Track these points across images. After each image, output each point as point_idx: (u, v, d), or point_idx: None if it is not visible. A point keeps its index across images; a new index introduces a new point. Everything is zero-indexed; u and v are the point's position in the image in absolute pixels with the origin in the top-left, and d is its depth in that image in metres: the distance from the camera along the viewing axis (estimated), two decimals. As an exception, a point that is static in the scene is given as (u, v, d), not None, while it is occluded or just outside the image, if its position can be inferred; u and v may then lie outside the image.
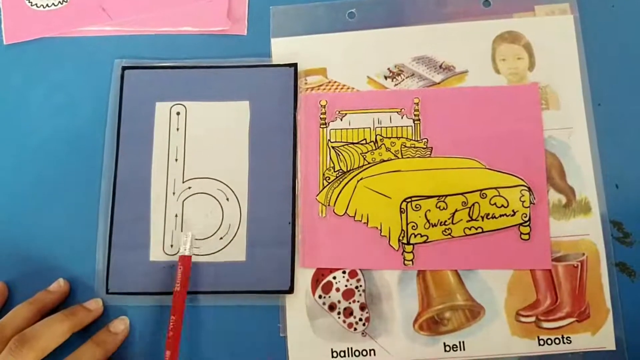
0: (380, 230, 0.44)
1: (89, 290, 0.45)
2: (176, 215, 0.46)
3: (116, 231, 0.45)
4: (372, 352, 0.43)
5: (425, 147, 0.46)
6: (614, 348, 0.42)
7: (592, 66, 0.46)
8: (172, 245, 0.45)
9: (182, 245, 0.43)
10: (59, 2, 0.51)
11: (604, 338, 0.42)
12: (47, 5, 0.51)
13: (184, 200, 0.46)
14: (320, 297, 0.44)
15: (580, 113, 0.45)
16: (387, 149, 0.46)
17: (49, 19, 0.51)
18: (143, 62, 0.49)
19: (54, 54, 0.50)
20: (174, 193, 0.46)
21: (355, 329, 0.43)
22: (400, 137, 0.46)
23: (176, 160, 0.47)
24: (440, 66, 0.47)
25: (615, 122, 0.45)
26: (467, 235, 0.43)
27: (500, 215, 0.43)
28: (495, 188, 0.44)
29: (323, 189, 0.46)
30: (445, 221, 0.44)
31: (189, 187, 0.46)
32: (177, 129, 0.47)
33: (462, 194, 0.44)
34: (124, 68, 0.48)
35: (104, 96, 0.48)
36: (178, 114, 0.48)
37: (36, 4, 0.51)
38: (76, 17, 0.51)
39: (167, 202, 0.46)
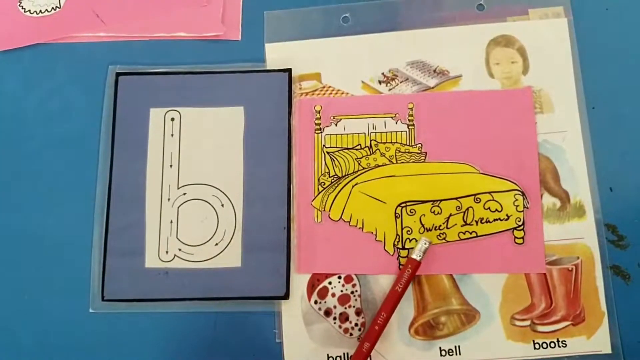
0: (376, 235, 0.44)
1: (84, 298, 0.45)
2: (171, 222, 0.46)
3: (111, 238, 0.45)
4: (368, 357, 0.43)
5: (419, 152, 0.46)
6: (609, 351, 0.42)
7: (586, 69, 0.46)
8: (167, 252, 0.45)
9: (418, 250, 0.42)
10: (52, 8, 0.51)
11: (600, 341, 0.42)
12: (40, 11, 0.51)
13: (179, 206, 0.46)
14: (316, 302, 0.44)
15: (575, 116, 0.45)
16: (382, 154, 0.46)
17: (42, 25, 0.51)
18: (137, 68, 0.49)
19: (47, 60, 0.50)
20: (169, 199, 0.46)
21: (351, 334, 0.43)
22: (394, 142, 0.46)
23: (171, 166, 0.47)
24: (435, 70, 0.47)
25: (610, 126, 0.45)
26: (461, 239, 0.44)
27: (495, 220, 0.43)
28: (489, 192, 0.44)
29: (318, 194, 0.46)
30: (440, 226, 0.44)
31: (184, 193, 0.46)
32: (172, 135, 0.47)
33: (456, 198, 0.44)
34: (118, 74, 0.48)
35: (98, 102, 0.48)
36: (172, 120, 0.48)
37: (29, 10, 0.51)
38: (70, 23, 0.51)
39: (162, 208, 0.46)
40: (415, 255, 0.42)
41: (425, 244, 0.42)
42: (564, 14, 0.47)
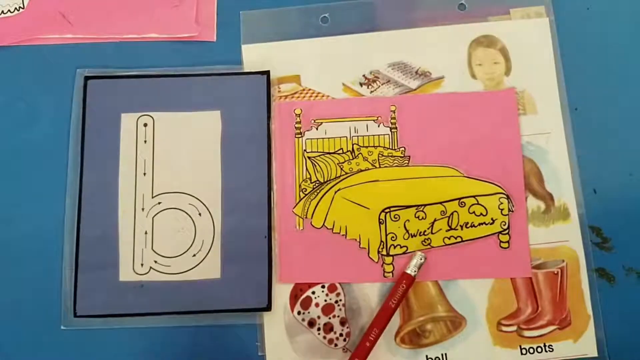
0: (360, 242, 0.43)
1: (55, 315, 0.43)
2: (146, 233, 0.44)
3: (83, 251, 0.43)
4: (355, 369, 0.42)
5: (402, 155, 0.45)
6: (595, 354, 0.41)
7: (569, 70, 0.46)
8: (142, 264, 0.43)
9: (413, 265, 0.41)
10: (15, 8, 0.49)
11: (586, 345, 0.42)
12: (2, 12, 0.48)
13: (154, 216, 0.44)
14: (299, 313, 0.42)
15: (558, 118, 0.45)
16: (365, 159, 0.45)
17: (5, 27, 0.48)
18: (107, 71, 0.47)
19: (12, 64, 0.47)
20: (143, 209, 0.44)
21: (336, 345, 0.42)
22: (377, 146, 0.45)
23: (144, 174, 0.45)
24: (417, 72, 0.46)
25: (592, 127, 0.45)
26: (446, 245, 0.43)
27: (480, 224, 0.43)
28: (474, 196, 0.43)
29: (300, 201, 0.44)
30: (425, 231, 0.43)
31: (159, 203, 0.44)
32: (145, 141, 0.45)
33: (440, 203, 0.43)
34: (87, 78, 0.46)
35: (66, 108, 0.46)
36: (145, 125, 0.46)
37: (-9, 11, 0.48)
38: (34, 24, 0.48)
39: (135, 218, 0.44)
40: (410, 271, 0.41)
41: (421, 259, 0.41)
42: (546, 14, 0.47)
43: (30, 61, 0.47)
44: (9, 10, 0.49)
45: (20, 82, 0.47)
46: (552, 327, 0.42)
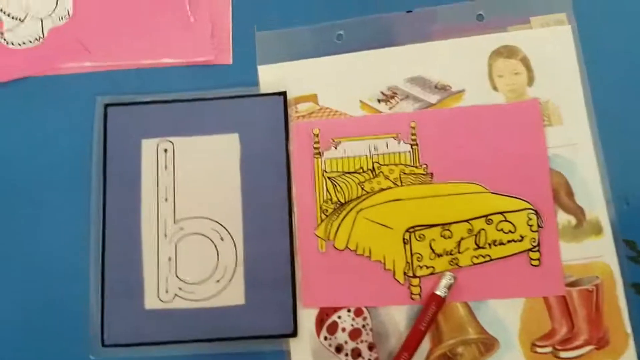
0: (384, 263, 0.42)
1: (83, 345, 0.43)
2: (169, 259, 0.44)
3: (108, 279, 0.43)
4: (385, 395, 0.41)
5: (425, 173, 0.44)
6: (637, 375, 0.40)
7: (593, 77, 0.44)
8: (167, 291, 0.43)
9: (442, 286, 0.40)
10: (35, 39, 0.49)
11: (626, 365, 0.40)
12: (23, 43, 0.49)
13: (177, 242, 0.44)
14: (325, 338, 0.42)
15: (585, 127, 0.43)
16: (386, 177, 0.44)
17: (26, 58, 0.49)
18: (126, 97, 0.47)
19: (33, 93, 0.48)
20: (165, 235, 0.44)
21: (364, 370, 0.41)
22: (398, 164, 0.44)
23: (166, 200, 0.45)
24: (436, 86, 0.45)
25: (621, 135, 0.43)
26: (475, 264, 0.42)
27: (508, 242, 0.41)
28: (501, 213, 0.42)
29: (321, 222, 0.44)
30: (451, 251, 0.42)
31: (181, 228, 0.44)
32: (166, 167, 0.45)
33: (467, 220, 0.42)
34: (107, 105, 0.46)
35: (88, 135, 0.46)
36: (165, 151, 0.46)
37: (12, 42, 0.49)
38: (54, 54, 0.49)
39: (159, 245, 0.44)
40: (440, 292, 0.40)
41: (450, 279, 0.40)
42: (567, 21, 0.45)
43: (50, 90, 0.48)
44: (29, 41, 0.49)
45: (42, 111, 0.47)
46: (589, 347, 0.40)
